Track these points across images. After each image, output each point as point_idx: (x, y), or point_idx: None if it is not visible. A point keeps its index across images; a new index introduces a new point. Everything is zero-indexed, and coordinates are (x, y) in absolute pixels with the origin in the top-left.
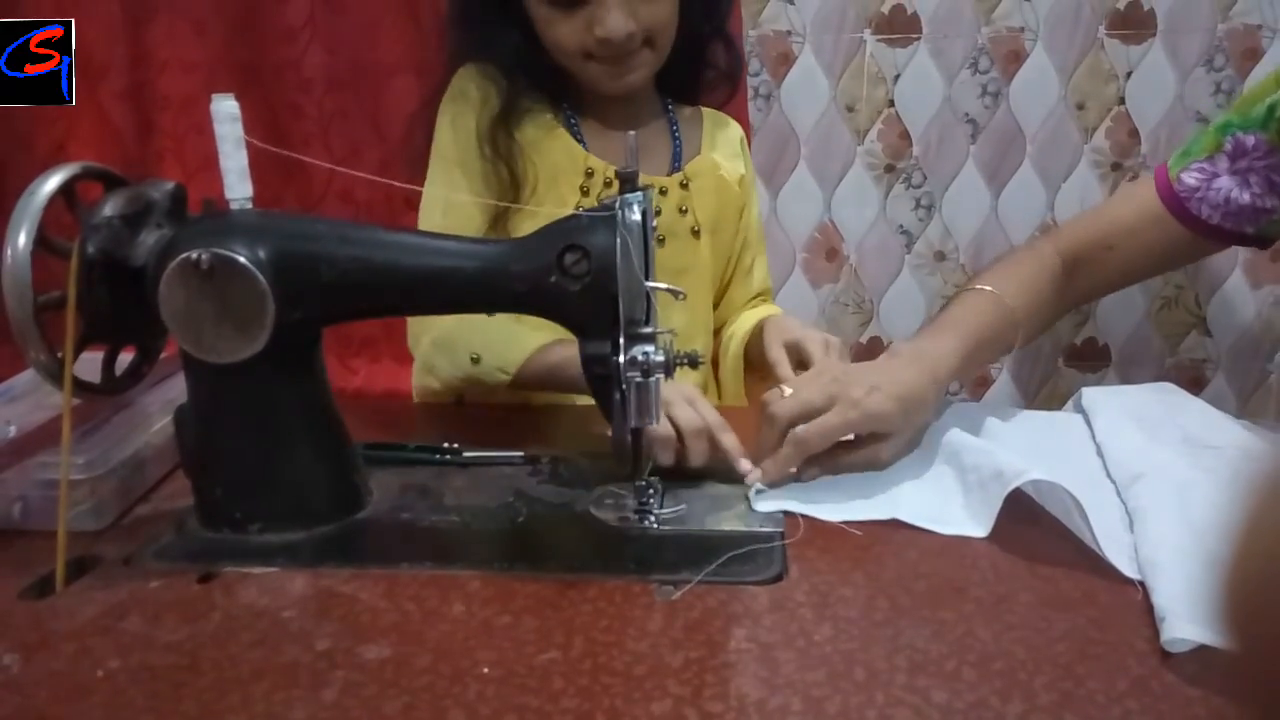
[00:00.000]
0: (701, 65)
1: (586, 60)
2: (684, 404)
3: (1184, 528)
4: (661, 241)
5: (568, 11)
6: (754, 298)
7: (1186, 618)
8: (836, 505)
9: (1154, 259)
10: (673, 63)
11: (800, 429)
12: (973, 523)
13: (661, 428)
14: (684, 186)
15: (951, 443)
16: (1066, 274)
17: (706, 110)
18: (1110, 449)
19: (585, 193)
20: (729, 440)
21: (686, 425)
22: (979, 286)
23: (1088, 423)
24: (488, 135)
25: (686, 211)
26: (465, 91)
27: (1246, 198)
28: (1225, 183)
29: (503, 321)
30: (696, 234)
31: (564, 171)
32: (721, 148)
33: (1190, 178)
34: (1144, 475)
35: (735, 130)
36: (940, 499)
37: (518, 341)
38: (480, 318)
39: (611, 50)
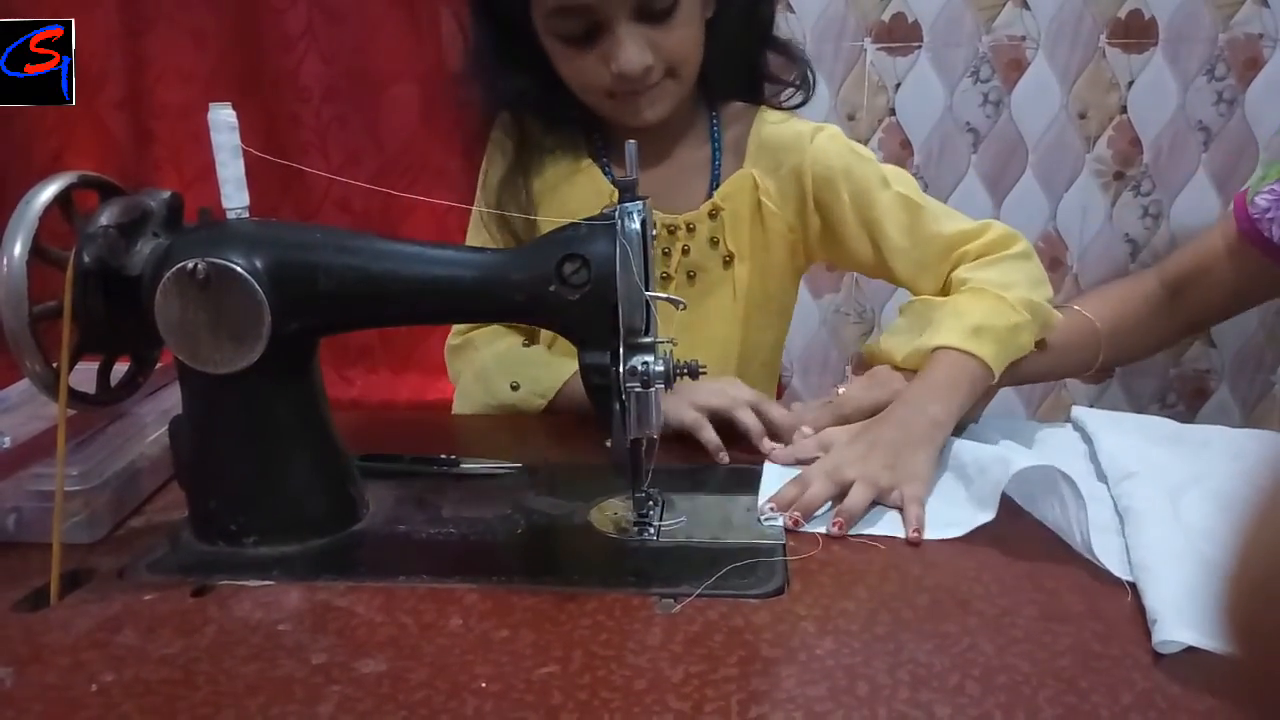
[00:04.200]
0: (753, 75)
1: (607, 96)
2: (712, 394)
3: (1176, 529)
4: (691, 277)
5: (583, 48)
6: (946, 257)
7: (1178, 620)
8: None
9: (1243, 286)
10: (720, 73)
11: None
12: (980, 510)
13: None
14: (713, 217)
15: (948, 451)
16: (1170, 298)
17: (765, 112)
18: (1103, 445)
19: None
20: (767, 415)
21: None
22: (1069, 305)
23: (1082, 435)
24: (501, 192)
25: (718, 243)
26: (494, 148)
27: None
28: None
29: (539, 351)
30: (729, 263)
31: (590, 209)
32: (775, 151)
33: (1263, 200)
34: (1136, 474)
35: (803, 125)
36: (947, 504)
37: (553, 369)
38: (520, 350)
39: (629, 85)
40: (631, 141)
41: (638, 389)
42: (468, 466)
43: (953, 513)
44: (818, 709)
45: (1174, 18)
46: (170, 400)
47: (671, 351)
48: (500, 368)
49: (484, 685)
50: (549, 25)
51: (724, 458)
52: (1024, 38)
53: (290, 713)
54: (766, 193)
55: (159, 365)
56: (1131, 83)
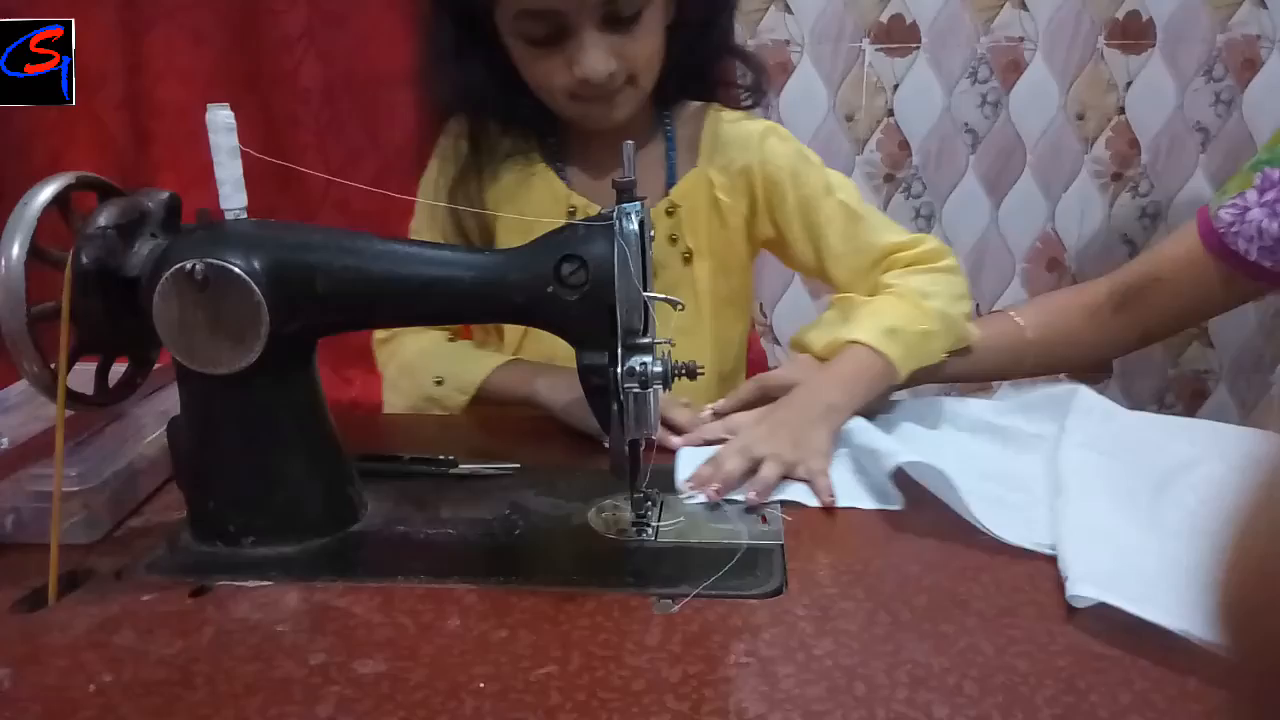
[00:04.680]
0: (710, 81)
1: (569, 99)
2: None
3: (1104, 501)
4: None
5: (547, 50)
6: (879, 264)
7: (1087, 577)
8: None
9: (1200, 298)
10: (676, 79)
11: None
12: (881, 498)
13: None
14: (670, 214)
15: (851, 429)
16: (1119, 306)
17: (718, 111)
18: (1072, 423)
19: None
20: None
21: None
22: (1002, 311)
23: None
24: (454, 196)
25: (677, 240)
26: (443, 151)
27: (1275, 228)
28: (1256, 214)
29: (464, 346)
30: (688, 260)
31: (544, 214)
32: (728, 150)
33: (1226, 214)
34: (1083, 446)
35: (754, 124)
36: (848, 478)
37: (477, 364)
38: (443, 345)
39: (592, 90)
40: (629, 142)
41: (636, 390)
42: (466, 467)
43: (854, 489)
44: (816, 709)
45: (1172, 19)
46: (169, 401)
47: (669, 352)
48: (424, 362)
49: (482, 685)
50: (514, 26)
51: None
52: (1022, 39)
53: (289, 713)
54: (722, 188)
55: (157, 366)
56: (1129, 84)
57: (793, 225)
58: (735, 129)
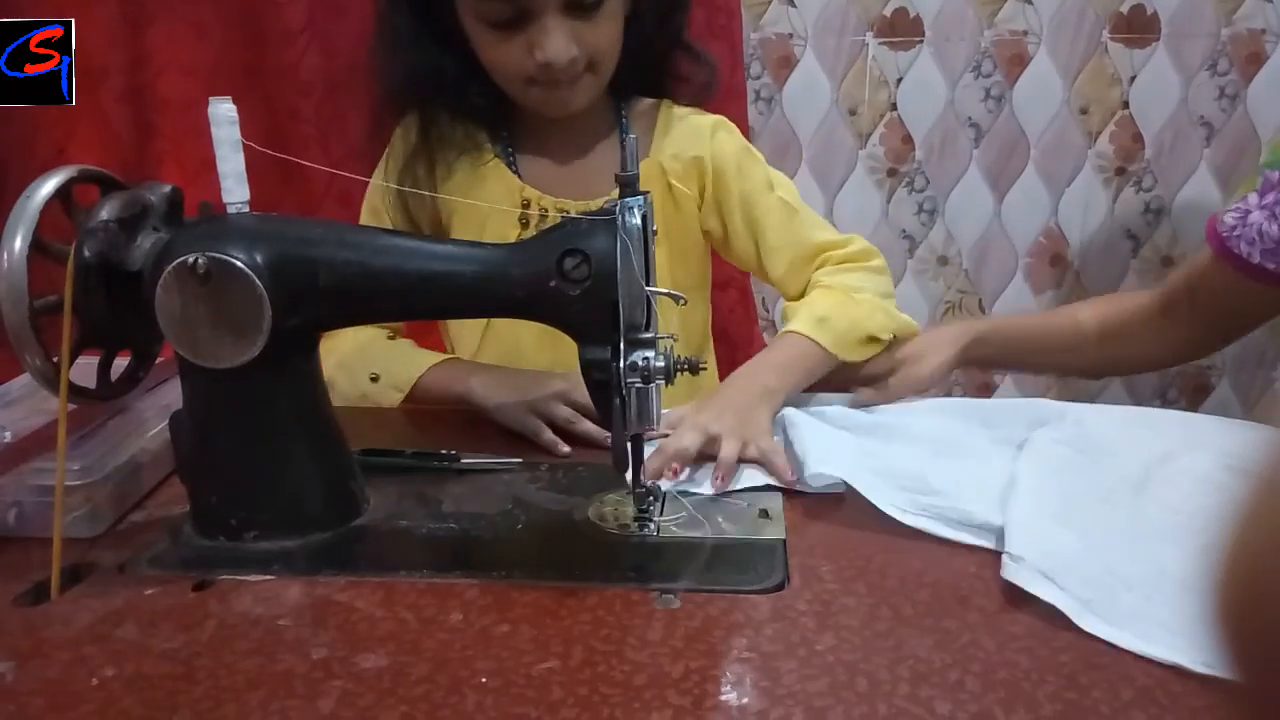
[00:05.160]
0: (662, 75)
1: (528, 85)
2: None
3: (1053, 487)
4: None
5: (508, 34)
6: (813, 260)
7: (1033, 568)
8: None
9: (1228, 306)
10: (630, 71)
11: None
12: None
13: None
14: None
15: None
16: (1162, 312)
17: (669, 104)
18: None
19: (525, 224)
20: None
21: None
22: (1064, 308)
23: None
24: (402, 181)
25: None
26: (398, 140)
27: (1275, 230)
28: (1256, 217)
29: (402, 344)
30: None
31: (499, 202)
32: (679, 140)
33: (1229, 217)
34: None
35: (704, 118)
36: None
37: (411, 361)
38: (381, 341)
39: (552, 75)
40: (631, 136)
41: (638, 384)
42: (468, 462)
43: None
44: (818, 704)
45: (1176, 12)
46: (171, 395)
47: (672, 347)
48: (361, 358)
49: (484, 680)
50: (476, 8)
51: (564, 449)
52: (1026, 32)
53: (291, 707)
54: (675, 175)
55: (159, 360)
56: (1134, 78)
57: (735, 217)
58: (687, 121)
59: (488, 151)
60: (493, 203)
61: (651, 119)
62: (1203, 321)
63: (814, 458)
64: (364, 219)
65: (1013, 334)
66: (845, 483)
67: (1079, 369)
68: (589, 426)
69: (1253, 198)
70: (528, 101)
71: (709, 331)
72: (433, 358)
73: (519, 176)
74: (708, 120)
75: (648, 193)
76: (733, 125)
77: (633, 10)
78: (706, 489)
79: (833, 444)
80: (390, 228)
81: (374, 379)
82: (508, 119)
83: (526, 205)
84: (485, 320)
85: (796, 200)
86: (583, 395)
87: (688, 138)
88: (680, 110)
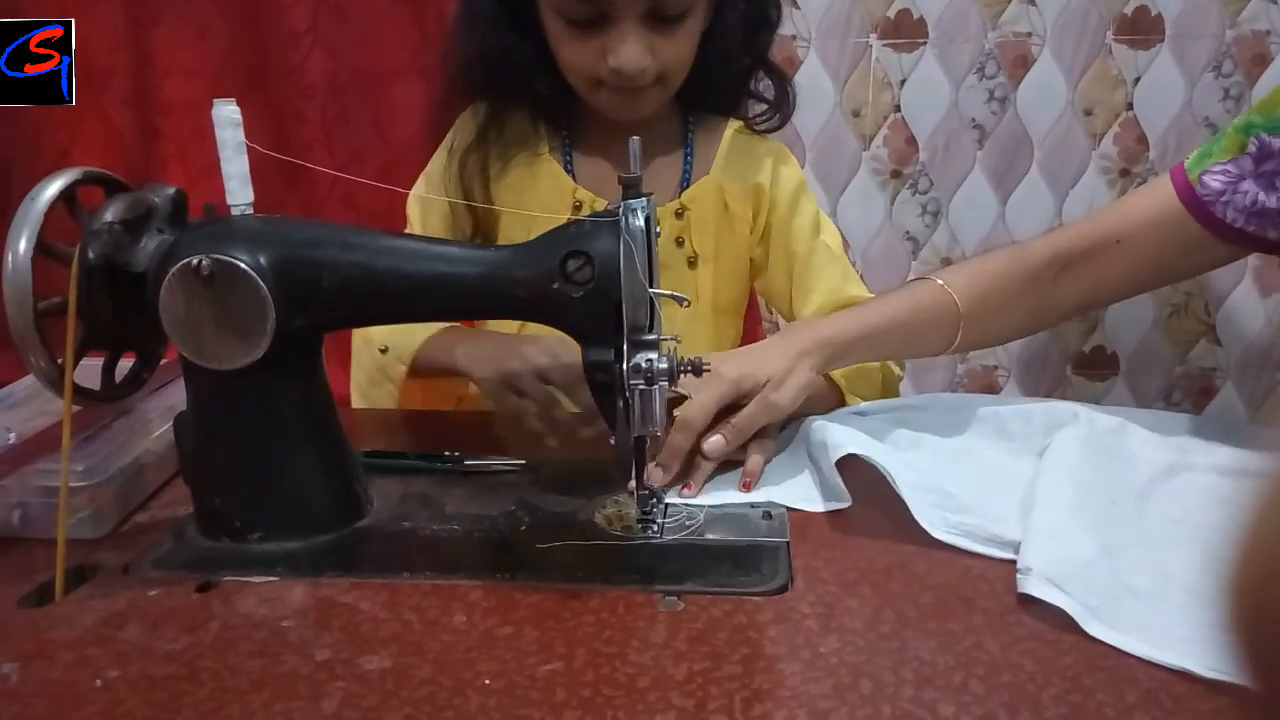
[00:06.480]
0: (739, 93)
1: (596, 86)
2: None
3: (1069, 490)
4: None
5: (585, 33)
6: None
7: (1042, 576)
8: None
9: (1165, 261)
10: (703, 85)
11: (677, 411)
12: (826, 497)
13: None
14: (679, 216)
15: (809, 425)
16: (1057, 273)
17: (738, 127)
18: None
19: None
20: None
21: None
22: (927, 276)
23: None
24: (464, 164)
25: (683, 243)
26: (462, 123)
27: (1274, 202)
28: (1251, 186)
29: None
30: (693, 264)
31: (550, 206)
32: (739, 166)
33: (1214, 180)
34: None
35: (769, 144)
36: (803, 478)
37: (413, 335)
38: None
39: (622, 81)
40: (635, 138)
41: (641, 386)
42: (471, 463)
43: (808, 490)
44: (821, 706)
45: (1181, 14)
46: (175, 396)
47: (675, 349)
48: (381, 332)
49: (487, 682)
50: (558, 4)
51: (550, 444)
52: (1030, 34)
53: (294, 709)
54: (734, 197)
55: (163, 361)
56: (1138, 79)
57: (778, 251)
58: (752, 146)
59: (544, 151)
60: (544, 201)
61: (717, 137)
62: (1121, 277)
63: (854, 443)
64: (417, 188)
65: (867, 338)
66: (851, 499)
67: (946, 350)
68: (565, 416)
69: (1245, 162)
70: (595, 101)
71: None
72: (437, 328)
73: (574, 178)
74: (773, 148)
75: (651, 194)
76: (793, 157)
77: (715, 25)
78: (731, 495)
79: (865, 442)
80: (443, 199)
81: (383, 351)
82: (571, 116)
83: (579, 207)
84: (486, 322)
85: (838, 248)
86: (562, 370)
87: (751, 162)
88: (746, 133)
